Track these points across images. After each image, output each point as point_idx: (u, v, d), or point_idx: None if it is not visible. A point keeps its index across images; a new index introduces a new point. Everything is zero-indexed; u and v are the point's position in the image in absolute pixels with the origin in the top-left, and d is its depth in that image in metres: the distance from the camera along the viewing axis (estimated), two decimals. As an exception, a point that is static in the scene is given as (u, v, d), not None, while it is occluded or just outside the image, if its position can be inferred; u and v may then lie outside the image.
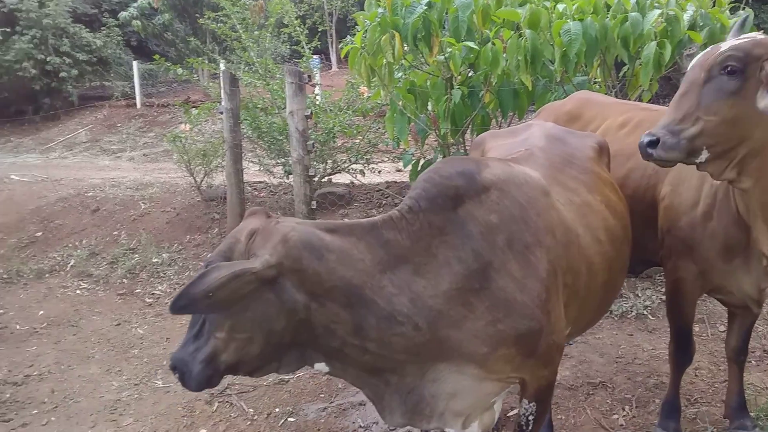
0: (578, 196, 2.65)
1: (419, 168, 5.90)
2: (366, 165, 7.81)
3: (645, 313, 4.93)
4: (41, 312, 6.34)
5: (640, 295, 5.13)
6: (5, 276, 7.25)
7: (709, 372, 4.01)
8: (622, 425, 3.59)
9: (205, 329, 2.06)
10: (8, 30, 16.80)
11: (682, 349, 3.30)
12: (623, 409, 3.73)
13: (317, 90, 9.55)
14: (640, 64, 4.57)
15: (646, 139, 2.52)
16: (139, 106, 17.94)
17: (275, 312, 2.02)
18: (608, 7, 4.75)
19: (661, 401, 3.51)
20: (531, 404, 2.48)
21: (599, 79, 5.24)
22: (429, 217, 2.17)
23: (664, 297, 4.86)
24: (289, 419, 4.01)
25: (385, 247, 2.12)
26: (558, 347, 2.40)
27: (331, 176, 7.95)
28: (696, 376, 4.02)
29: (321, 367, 2.19)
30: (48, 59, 17.05)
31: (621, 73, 5.26)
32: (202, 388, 2.10)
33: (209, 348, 2.05)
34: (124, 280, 7.02)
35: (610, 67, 5.11)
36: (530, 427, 2.50)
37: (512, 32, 4.82)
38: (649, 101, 4.78)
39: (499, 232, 2.18)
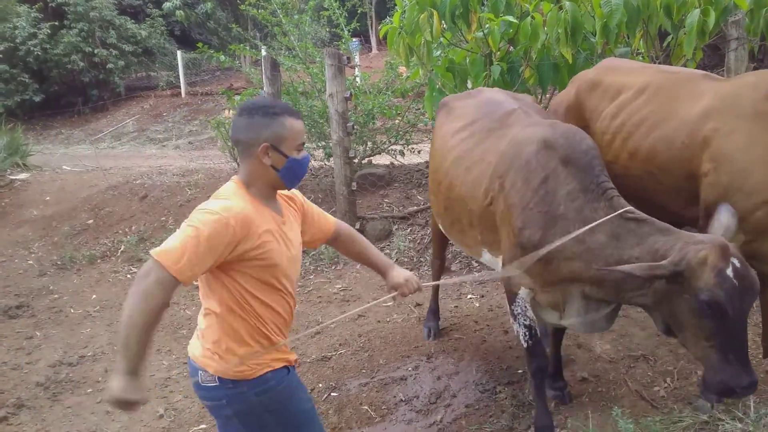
0: None
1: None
2: (405, 145, 7.79)
3: (690, 286, 4.81)
4: (94, 296, 6.55)
5: (683, 268, 5.01)
6: (59, 262, 7.50)
7: (753, 343, 3.89)
8: (663, 397, 3.54)
9: None
10: (57, 24, 17.21)
11: None
12: (664, 381, 3.68)
13: (357, 72, 9.55)
14: (684, 33, 4.45)
15: None
16: (183, 95, 18.24)
17: None
18: (651, -25, 4.63)
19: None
20: None
21: (642, 50, 5.12)
22: None
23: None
24: (332, 394, 4.07)
25: None
26: None
27: (371, 157, 7.97)
28: (741, 348, 3.92)
29: None
30: (95, 51, 17.44)
31: (665, 43, 5.13)
32: None
33: None
34: (172, 264, 7.18)
35: (653, 37, 4.98)
36: None
37: (552, 5, 4.74)
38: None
39: None
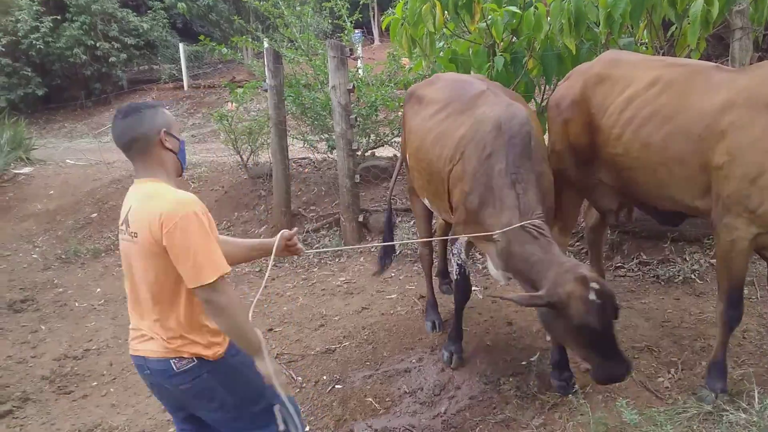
0: None
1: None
2: (409, 137, 7.77)
3: (693, 276, 4.76)
4: (98, 290, 6.57)
5: (687, 259, 4.96)
6: (63, 256, 7.51)
7: (758, 334, 3.90)
8: (667, 388, 3.54)
9: None
10: (58, 17, 17.18)
11: (733, 308, 3.24)
12: (669, 372, 3.67)
13: (359, 64, 9.52)
14: (688, 23, 4.41)
15: None
16: (186, 88, 18.22)
17: None
18: (654, -35, 4.59)
19: (707, 363, 3.45)
20: None
21: (646, 40, 5.08)
22: None
23: (712, 261, 4.74)
24: (336, 386, 4.08)
25: None
26: None
27: (374, 150, 7.96)
28: (744, 338, 3.92)
29: None
30: (98, 45, 17.39)
31: (669, 33, 5.09)
32: None
33: None
34: (176, 257, 7.18)
35: (657, 27, 4.94)
36: None
37: (555, -5, 4.71)
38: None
39: None
